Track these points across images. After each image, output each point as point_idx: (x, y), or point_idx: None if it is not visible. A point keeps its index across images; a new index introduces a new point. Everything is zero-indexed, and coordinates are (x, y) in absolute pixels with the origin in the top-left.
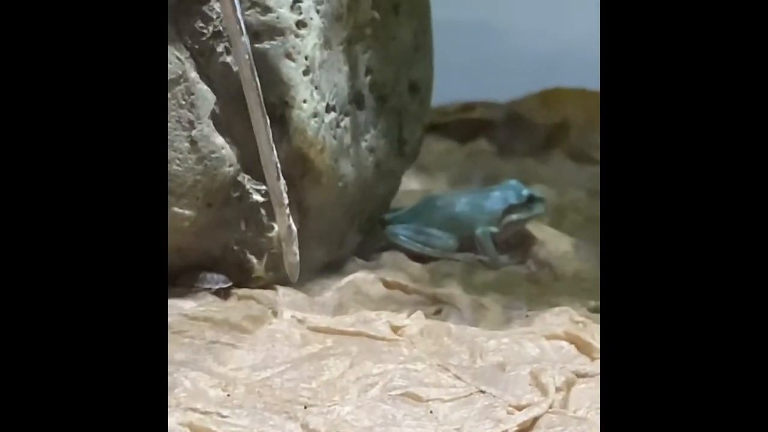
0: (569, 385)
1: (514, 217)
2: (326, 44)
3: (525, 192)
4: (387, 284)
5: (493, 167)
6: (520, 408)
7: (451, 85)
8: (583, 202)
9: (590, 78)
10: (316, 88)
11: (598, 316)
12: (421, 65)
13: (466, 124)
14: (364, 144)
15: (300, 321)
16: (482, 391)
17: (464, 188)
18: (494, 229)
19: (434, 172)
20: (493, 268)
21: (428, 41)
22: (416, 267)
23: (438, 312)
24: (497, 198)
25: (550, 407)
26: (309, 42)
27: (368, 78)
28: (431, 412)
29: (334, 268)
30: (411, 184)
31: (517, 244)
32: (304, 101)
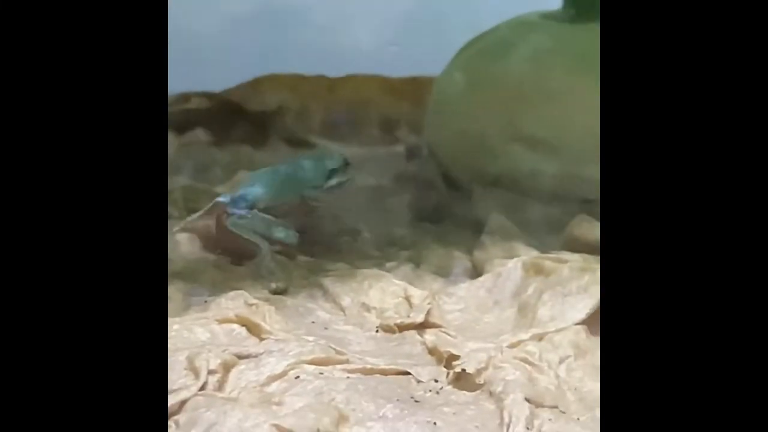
0: (227, 367)
1: None
2: None
3: None
4: None
5: (207, 157)
6: (171, 393)
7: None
8: None
9: (306, 64)
10: None
11: (276, 297)
12: None
13: (183, 115)
14: None
15: None
16: None
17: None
18: None
19: None
20: None
21: None
22: None
23: None
24: None
25: (201, 389)
26: None
27: None
28: None
29: None
30: None
31: None
32: None
